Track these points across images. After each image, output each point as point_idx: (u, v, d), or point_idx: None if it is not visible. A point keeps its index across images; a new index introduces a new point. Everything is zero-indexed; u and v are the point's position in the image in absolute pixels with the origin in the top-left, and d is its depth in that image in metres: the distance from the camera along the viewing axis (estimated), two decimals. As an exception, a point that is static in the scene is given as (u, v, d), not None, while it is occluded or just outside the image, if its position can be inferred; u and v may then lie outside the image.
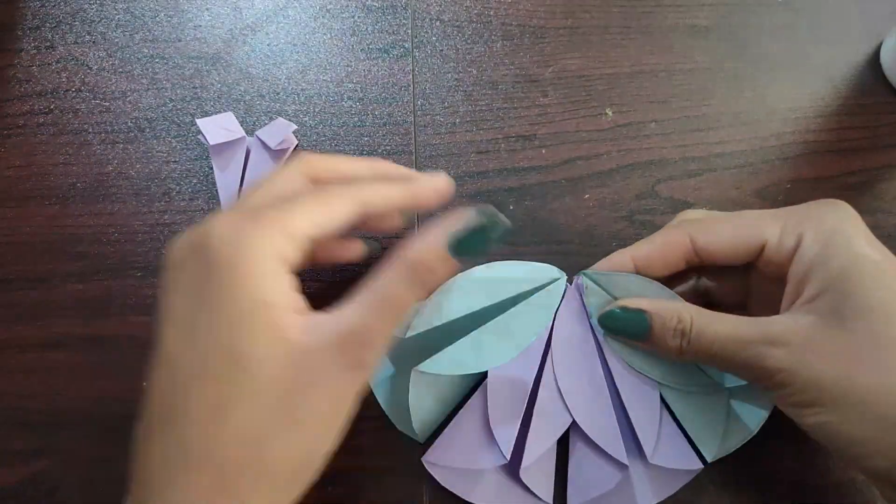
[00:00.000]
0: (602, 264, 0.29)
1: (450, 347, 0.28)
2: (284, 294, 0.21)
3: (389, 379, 0.29)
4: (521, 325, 0.29)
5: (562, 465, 0.29)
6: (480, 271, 0.29)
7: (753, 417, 0.28)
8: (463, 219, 0.22)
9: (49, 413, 0.31)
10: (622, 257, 0.28)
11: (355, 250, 0.29)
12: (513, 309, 0.29)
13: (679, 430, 0.28)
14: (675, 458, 0.28)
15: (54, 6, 0.37)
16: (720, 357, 0.25)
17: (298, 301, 0.22)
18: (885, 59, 0.35)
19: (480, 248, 0.23)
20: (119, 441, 0.30)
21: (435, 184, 0.25)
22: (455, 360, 0.28)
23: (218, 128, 0.32)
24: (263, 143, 0.33)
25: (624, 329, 0.27)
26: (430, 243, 0.22)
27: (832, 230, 0.24)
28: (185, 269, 0.22)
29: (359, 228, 0.26)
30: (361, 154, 0.34)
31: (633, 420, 0.28)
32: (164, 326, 0.22)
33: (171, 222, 0.33)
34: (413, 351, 0.28)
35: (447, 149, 0.34)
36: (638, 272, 0.28)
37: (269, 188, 0.24)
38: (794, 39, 0.36)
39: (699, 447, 0.28)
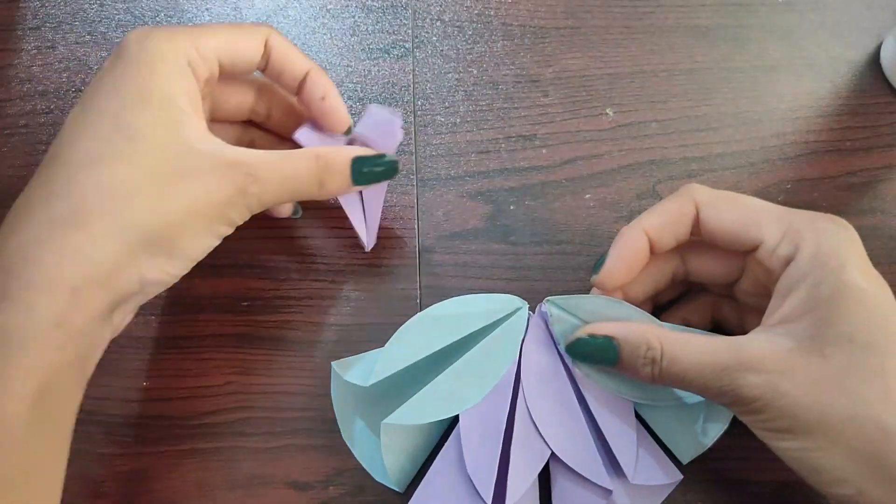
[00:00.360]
0: (618, 244, 0.27)
1: (417, 395, 0.27)
2: (189, 100, 0.23)
3: (360, 431, 0.29)
4: (488, 362, 0.28)
5: (545, 496, 0.28)
6: (441, 308, 0.29)
7: (722, 414, 0.28)
8: (370, 152, 0.27)
9: (50, 413, 0.31)
10: (634, 231, 0.27)
11: (286, 209, 0.31)
12: (477, 346, 0.28)
13: (655, 444, 0.28)
14: (655, 474, 0.27)
15: (55, 6, 0.37)
16: (695, 384, 0.24)
17: (202, 118, 0.24)
18: (885, 59, 0.35)
19: (376, 176, 0.27)
20: (120, 441, 0.30)
21: (333, 107, 0.28)
22: (423, 409, 0.27)
23: (315, 133, 0.30)
24: (364, 143, 0.30)
25: (592, 357, 0.27)
26: (343, 151, 0.26)
27: (829, 252, 0.23)
28: (104, 69, 0.23)
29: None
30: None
31: (610, 443, 0.27)
32: (74, 109, 0.23)
33: (172, 222, 0.33)
34: (379, 399, 0.28)
35: (448, 149, 0.34)
36: (651, 244, 0.27)
37: (224, 31, 0.25)
38: (794, 39, 0.36)
39: (675, 453, 0.28)
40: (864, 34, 0.36)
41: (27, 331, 0.21)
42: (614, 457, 0.27)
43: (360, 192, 0.30)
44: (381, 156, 0.27)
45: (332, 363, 0.28)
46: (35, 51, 0.36)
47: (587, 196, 0.33)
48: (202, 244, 0.25)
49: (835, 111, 0.35)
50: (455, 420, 0.28)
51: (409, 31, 0.36)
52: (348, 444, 0.29)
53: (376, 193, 0.31)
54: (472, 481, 0.26)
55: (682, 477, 0.28)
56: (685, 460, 0.28)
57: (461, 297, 0.29)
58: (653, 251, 0.27)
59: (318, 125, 0.29)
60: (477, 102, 0.35)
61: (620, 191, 0.34)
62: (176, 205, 0.23)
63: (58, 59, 0.36)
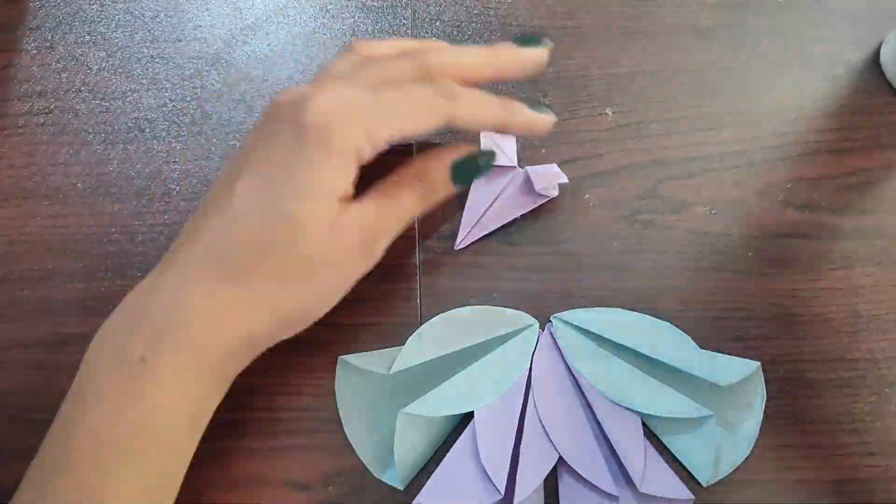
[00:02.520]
0: None
1: (433, 391, 0.28)
2: (346, 187, 0.25)
3: (364, 427, 0.30)
4: (501, 369, 0.30)
5: (553, 499, 0.29)
6: (460, 312, 0.31)
7: (743, 442, 0.29)
8: (462, 149, 0.27)
9: (50, 412, 0.31)
10: None
11: None
12: (491, 354, 0.30)
13: (665, 463, 0.29)
14: (663, 487, 0.28)
15: (54, 6, 0.37)
16: None
17: (349, 191, 0.25)
18: (885, 59, 0.35)
19: (473, 173, 0.27)
20: (119, 441, 0.30)
21: (534, 122, 0.27)
22: (441, 403, 0.28)
23: (494, 145, 0.32)
24: (527, 179, 0.32)
25: None
26: (435, 160, 0.27)
27: None
28: (279, 128, 0.24)
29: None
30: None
31: (618, 450, 0.28)
32: (246, 163, 0.25)
33: (172, 222, 0.33)
34: (391, 394, 0.29)
35: (447, 149, 0.34)
36: None
37: (381, 70, 0.25)
38: (794, 39, 0.36)
39: (693, 472, 0.29)
40: (864, 34, 0.36)
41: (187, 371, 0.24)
42: (623, 469, 0.28)
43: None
44: (472, 153, 0.27)
45: (339, 357, 0.28)
46: (34, 51, 0.36)
47: (587, 196, 0.33)
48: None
49: (835, 111, 0.35)
50: (462, 424, 0.29)
51: (409, 31, 0.36)
52: (350, 439, 0.29)
53: (484, 194, 0.32)
54: (485, 472, 0.27)
55: (692, 497, 0.28)
56: (704, 482, 0.28)
57: (478, 306, 0.31)
58: None
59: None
60: (477, 102, 0.35)
61: (620, 191, 0.34)
62: (321, 288, 0.25)
63: (57, 60, 0.36)
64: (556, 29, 0.36)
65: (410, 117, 0.24)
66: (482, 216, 0.32)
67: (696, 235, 0.33)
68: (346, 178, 0.24)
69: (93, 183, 0.34)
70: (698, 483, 0.29)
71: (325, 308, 0.26)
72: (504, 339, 0.30)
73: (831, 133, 0.35)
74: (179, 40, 0.36)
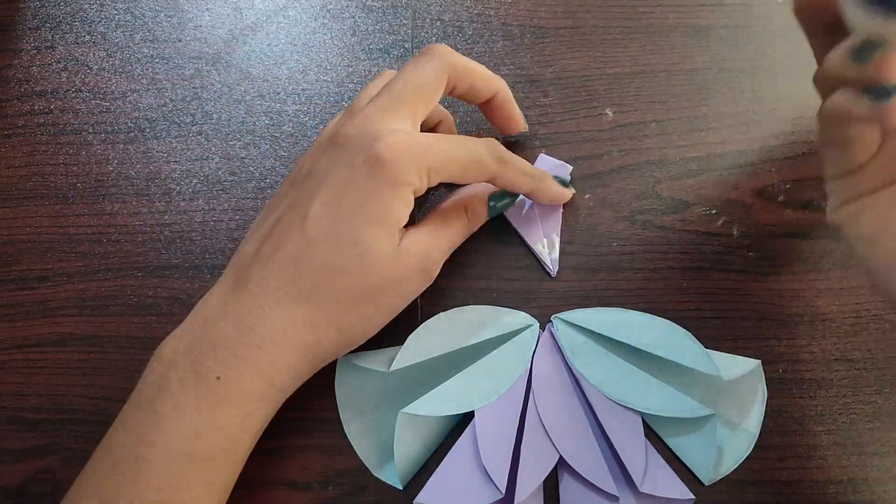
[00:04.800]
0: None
1: (434, 391, 0.29)
2: (406, 216, 0.27)
3: (363, 427, 0.30)
4: (501, 369, 0.30)
5: (554, 501, 0.29)
6: (459, 312, 0.31)
7: (744, 440, 0.29)
8: (496, 189, 0.30)
9: (50, 412, 0.31)
10: None
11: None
12: (491, 354, 0.30)
13: (666, 462, 0.29)
14: (664, 487, 0.28)
15: (54, 6, 0.37)
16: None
17: (407, 219, 0.27)
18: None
19: (504, 206, 0.31)
20: (119, 441, 0.30)
21: (558, 196, 0.32)
22: (441, 402, 0.28)
23: None
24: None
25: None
26: (478, 190, 0.30)
27: None
28: (351, 159, 0.26)
29: None
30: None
31: (618, 449, 0.28)
32: (317, 190, 0.26)
33: (172, 222, 0.33)
34: (391, 394, 0.30)
35: (447, 149, 0.34)
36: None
37: (424, 97, 0.28)
38: (794, 39, 0.36)
39: (694, 471, 0.29)
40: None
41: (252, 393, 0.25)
42: (624, 469, 0.28)
43: (538, 217, 0.33)
44: (503, 192, 0.31)
45: (338, 357, 0.28)
46: (34, 51, 0.36)
47: (587, 196, 0.33)
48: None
49: (834, 111, 0.35)
50: (462, 424, 0.29)
51: (409, 32, 0.36)
52: (350, 439, 0.29)
53: (553, 215, 0.33)
54: (485, 471, 0.27)
55: (693, 497, 0.28)
56: (706, 481, 0.28)
57: (479, 306, 0.31)
58: None
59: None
60: (477, 102, 0.35)
61: (620, 191, 0.34)
62: (384, 308, 0.27)
63: (56, 60, 0.36)
64: (556, 29, 0.36)
65: (465, 169, 0.27)
66: (542, 229, 0.33)
67: (696, 235, 0.33)
68: (407, 209, 0.26)
69: (93, 183, 0.34)
70: (699, 482, 0.29)
71: (383, 325, 0.28)
72: (504, 338, 0.30)
73: (831, 133, 0.35)
74: (179, 40, 0.36)
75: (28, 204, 0.33)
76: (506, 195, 0.31)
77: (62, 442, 0.30)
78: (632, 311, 0.31)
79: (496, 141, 0.28)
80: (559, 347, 0.30)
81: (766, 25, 0.36)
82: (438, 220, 0.29)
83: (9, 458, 0.30)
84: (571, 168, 0.33)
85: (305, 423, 0.30)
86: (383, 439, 0.29)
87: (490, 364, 0.30)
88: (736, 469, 0.29)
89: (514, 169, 0.29)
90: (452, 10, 0.36)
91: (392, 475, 0.29)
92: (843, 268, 0.32)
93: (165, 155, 0.34)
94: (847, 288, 0.32)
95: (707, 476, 0.28)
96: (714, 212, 0.33)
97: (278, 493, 0.29)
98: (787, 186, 0.34)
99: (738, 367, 0.29)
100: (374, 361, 0.30)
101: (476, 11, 0.36)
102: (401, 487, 0.29)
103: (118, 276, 0.32)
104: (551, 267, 0.32)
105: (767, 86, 0.35)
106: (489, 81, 0.30)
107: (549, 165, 0.33)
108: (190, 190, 0.34)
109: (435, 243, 0.28)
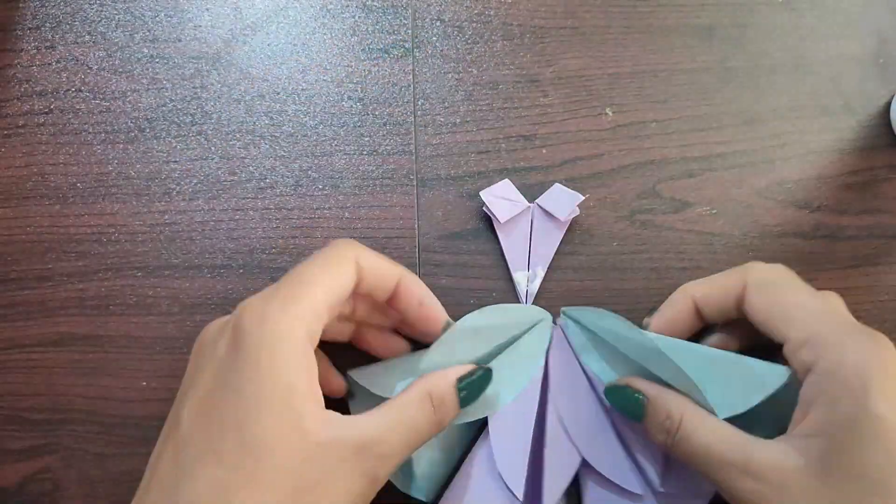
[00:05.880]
0: (665, 308, 0.28)
1: None
2: (308, 381, 0.22)
3: None
4: (515, 369, 0.28)
5: None
6: (469, 320, 0.29)
7: (774, 374, 0.26)
8: (468, 368, 0.26)
9: (50, 412, 0.31)
10: (683, 298, 0.28)
11: (339, 385, 0.29)
12: (504, 353, 0.28)
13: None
14: (682, 485, 0.27)
15: (54, 6, 0.37)
16: (699, 467, 0.24)
17: (319, 394, 0.22)
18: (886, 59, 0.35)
19: (477, 393, 0.26)
20: (119, 440, 0.30)
21: (431, 309, 0.27)
22: None
23: (499, 199, 0.32)
24: (546, 212, 0.32)
25: (622, 407, 0.27)
26: (448, 378, 0.25)
27: (852, 372, 0.22)
28: (214, 349, 0.22)
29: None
30: (361, 154, 0.34)
31: (633, 448, 0.27)
32: (183, 403, 0.22)
33: (172, 222, 0.33)
34: None
35: (447, 149, 0.34)
36: (699, 313, 0.28)
37: (324, 276, 0.24)
38: (795, 39, 0.36)
39: (717, 410, 0.26)
40: (863, 33, 0.36)
41: None
42: (642, 466, 0.27)
43: (530, 242, 0.32)
44: (475, 370, 0.26)
45: (349, 373, 0.28)
46: (34, 51, 0.36)
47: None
48: None
49: (835, 110, 0.35)
50: (479, 432, 0.28)
51: (409, 31, 0.36)
52: None
53: (548, 243, 0.32)
54: (502, 480, 0.26)
55: (714, 490, 0.27)
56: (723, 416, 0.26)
57: (486, 308, 0.29)
58: (704, 318, 0.28)
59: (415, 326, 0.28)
60: (477, 102, 0.35)
61: (620, 191, 0.34)
62: None
63: (56, 59, 0.36)
64: (556, 29, 0.36)
65: (324, 270, 0.24)
66: (529, 259, 0.32)
67: (696, 235, 0.33)
68: (303, 374, 0.22)
69: (93, 183, 0.34)
70: None
71: None
72: (517, 337, 0.29)
73: (831, 133, 0.35)
74: (179, 40, 0.36)
75: (28, 204, 0.33)
76: (477, 372, 0.26)
77: (61, 442, 0.30)
78: (639, 330, 0.28)
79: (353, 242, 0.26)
80: (570, 343, 0.30)
81: (766, 25, 0.36)
82: (392, 408, 0.23)
83: (8, 457, 0.30)
84: (582, 198, 0.32)
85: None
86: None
87: (504, 365, 0.28)
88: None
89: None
90: (452, 9, 0.36)
91: (419, 490, 0.28)
92: (844, 267, 0.32)
93: (165, 155, 0.34)
94: (847, 288, 0.32)
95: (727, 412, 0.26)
96: (714, 212, 0.33)
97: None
98: (788, 186, 0.34)
99: (771, 379, 0.26)
100: (385, 376, 0.28)
101: (476, 11, 0.36)
102: (427, 501, 0.28)
103: (118, 275, 0.32)
104: (524, 300, 0.31)
105: (767, 86, 0.35)
106: (392, 266, 0.26)
107: (562, 195, 0.32)
108: (190, 190, 0.34)
109: (384, 434, 0.22)
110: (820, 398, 0.22)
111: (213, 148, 0.34)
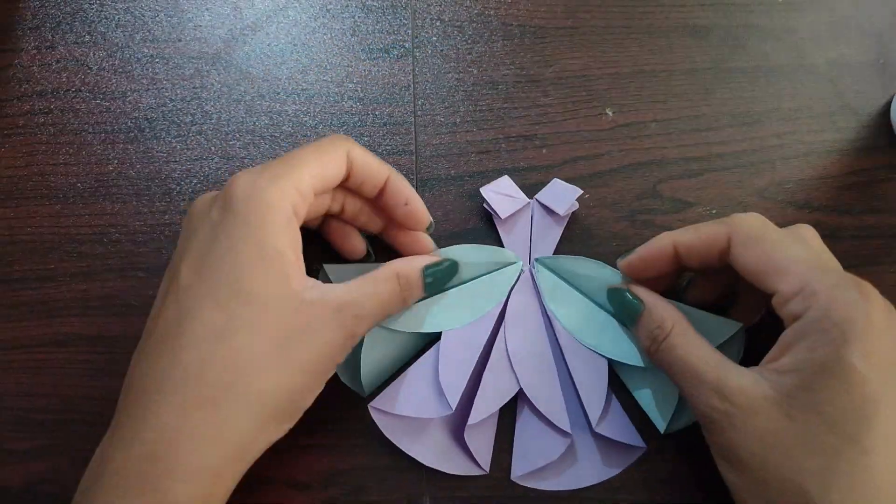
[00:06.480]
0: (645, 246, 0.29)
1: (407, 311, 0.29)
2: (293, 249, 0.24)
3: None
4: (477, 298, 0.30)
5: (508, 435, 0.30)
6: (448, 251, 0.31)
7: (726, 326, 0.29)
8: (436, 259, 0.29)
9: (53, 412, 0.31)
10: (664, 241, 0.28)
11: (358, 245, 0.31)
12: (469, 283, 0.31)
13: (625, 412, 0.30)
14: (620, 431, 0.29)
15: (54, 6, 0.37)
16: (675, 377, 0.26)
17: (302, 263, 0.25)
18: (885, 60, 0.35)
19: (442, 282, 0.29)
20: (120, 441, 0.30)
21: (416, 209, 0.29)
22: (413, 319, 0.29)
23: (499, 195, 0.32)
24: (545, 208, 0.32)
25: (620, 308, 0.29)
26: (414, 263, 0.28)
27: (836, 321, 0.22)
28: (207, 217, 0.24)
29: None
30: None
31: (580, 390, 0.29)
32: (178, 262, 0.24)
33: (172, 222, 0.33)
34: None
35: (447, 149, 0.34)
36: (679, 259, 0.28)
37: (314, 161, 0.26)
38: (794, 39, 0.36)
39: (652, 419, 0.30)
40: (863, 34, 0.36)
41: None
42: (583, 412, 0.29)
43: (529, 235, 0.32)
44: (442, 261, 0.29)
45: (324, 265, 0.29)
46: (34, 51, 0.36)
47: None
48: (316, 395, 0.25)
49: (834, 111, 0.35)
50: (427, 346, 0.30)
51: (409, 31, 0.36)
52: None
53: (519, 234, 0.32)
54: (440, 390, 0.29)
55: (645, 447, 0.29)
56: (662, 430, 0.29)
57: (466, 245, 0.31)
58: (682, 264, 0.28)
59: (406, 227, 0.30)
60: (477, 102, 0.35)
61: (620, 191, 0.34)
62: (297, 369, 0.24)
63: (56, 59, 0.36)
64: (555, 29, 0.36)
65: (315, 155, 0.26)
66: (530, 256, 0.32)
67: (696, 235, 0.33)
68: (289, 238, 0.24)
69: (93, 183, 0.34)
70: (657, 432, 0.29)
71: (310, 392, 0.25)
72: (488, 271, 0.31)
73: (831, 133, 0.35)
74: (179, 40, 0.36)
75: (28, 204, 0.33)
76: (443, 263, 0.29)
77: (64, 442, 0.30)
78: (611, 268, 0.31)
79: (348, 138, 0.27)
80: (537, 288, 0.31)
81: (766, 25, 0.36)
82: (367, 281, 0.26)
83: (12, 458, 0.30)
84: (581, 192, 0.32)
85: (305, 423, 0.30)
86: (355, 350, 0.29)
87: (467, 292, 0.30)
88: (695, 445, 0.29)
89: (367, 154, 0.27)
90: (452, 9, 0.36)
91: (358, 383, 0.29)
92: (844, 267, 0.32)
93: (165, 155, 0.34)
94: (847, 288, 0.32)
95: (662, 425, 0.29)
96: (714, 212, 0.33)
97: (278, 492, 0.29)
98: (788, 186, 0.34)
99: (721, 330, 0.28)
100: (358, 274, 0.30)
101: (476, 11, 0.36)
102: (364, 395, 0.29)
103: (120, 276, 0.32)
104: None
105: (767, 86, 0.35)
106: (381, 165, 0.28)
107: (561, 189, 0.33)
108: (190, 190, 0.34)
109: (359, 298, 0.25)
110: (800, 342, 0.23)
111: (213, 148, 0.34)
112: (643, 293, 0.28)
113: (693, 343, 0.26)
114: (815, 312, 0.23)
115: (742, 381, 0.24)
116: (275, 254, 0.23)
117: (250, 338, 0.23)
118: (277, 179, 0.24)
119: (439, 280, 0.29)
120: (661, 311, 0.27)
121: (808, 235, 0.27)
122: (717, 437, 0.24)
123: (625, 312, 0.29)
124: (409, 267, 0.27)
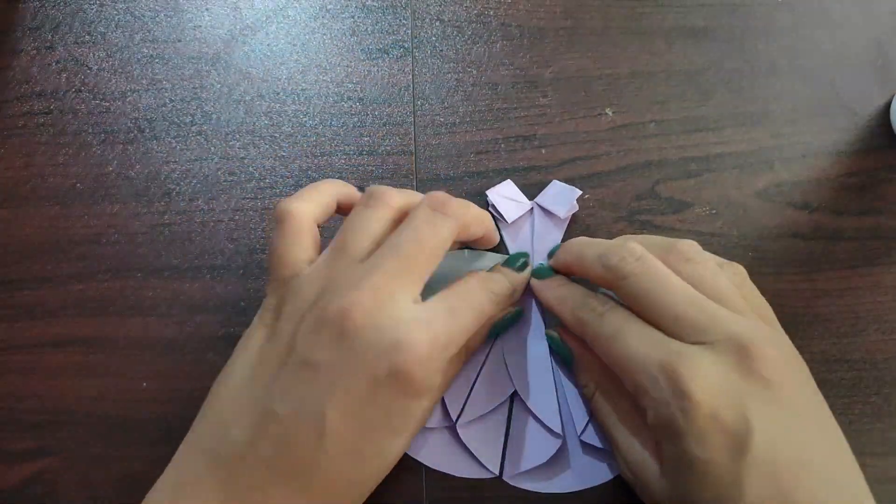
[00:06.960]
0: (561, 252, 0.30)
1: None
2: (427, 418, 0.28)
3: None
4: None
5: (503, 437, 0.30)
6: (451, 256, 0.31)
7: None
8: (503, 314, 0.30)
9: (49, 413, 0.31)
10: (572, 250, 0.29)
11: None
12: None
13: None
14: (601, 440, 0.29)
15: (54, 7, 0.37)
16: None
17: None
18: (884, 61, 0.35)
19: (506, 327, 0.30)
20: (119, 441, 0.30)
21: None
22: None
23: (505, 199, 0.32)
24: (545, 211, 0.32)
25: (557, 353, 0.30)
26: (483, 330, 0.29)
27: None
28: (374, 368, 0.23)
29: None
30: (361, 155, 0.34)
31: (568, 396, 0.30)
32: (331, 394, 0.23)
33: (171, 223, 0.33)
34: None
35: (447, 149, 0.34)
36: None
37: (435, 259, 0.26)
38: (793, 40, 0.36)
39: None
40: (863, 34, 0.36)
41: None
42: (573, 420, 0.30)
43: (530, 238, 0.33)
44: (506, 314, 0.30)
45: None
46: (34, 51, 0.36)
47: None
48: None
49: (833, 112, 0.35)
50: None
51: (409, 32, 0.36)
52: None
53: (521, 239, 0.33)
54: (442, 398, 0.29)
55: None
56: None
57: (466, 250, 0.32)
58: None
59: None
60: (476, 103, 0.35)
61: (619, 191, 0.34)
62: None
63: (56, 60, 0.36)
64: (554, 30, 0.36)
65: (477, 322, 0.26)
66: (532, 257, 0.32)
67: (695, 235, 0.33)
68: (430, 412, 0.28)
69: (92, 183, 0.34)
70: None
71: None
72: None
73: (831, 133, 0.35)
74: (179, 40, 0.36)
75: (28, 205, 0.33)
76: (507, 315, 0.30)
77: (61, 443, 0.30)
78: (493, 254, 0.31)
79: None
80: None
81: (766, 25, 0.36)
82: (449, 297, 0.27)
83: (7, 459, 0.30)
84: (580, 193, 0.32)
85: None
86: None
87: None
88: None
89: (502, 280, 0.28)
90: (452, 10, 0.36)
91: None
92: (843, 268, 0.32)
93: (165, 155, 0.34)
94: (847, 288, 0.32)
95: None
96: (714, 212, 0.33)
97: (278, 493, 0.29)
98: (786, 187, 0.34)
99: None
100: None
101: (475, 11, 0.36)
102: None
103: (118, 276, 0.32)
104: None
105: (767, 86, 0.35)
106: (483, 223, 0.29)
107: (560, 190, 0.33)
108: (189, 190, 0.34)
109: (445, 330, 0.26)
110: (657, 436, 0.25)
111: (212, 148, 0.34)
112: (573, 343, 0.29)
113: (605, 411, 0.27)
114: (650, 413, 0.24)
115: (641, 457, 0.25)
116: (417, 427, 0.26)
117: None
118: (444, 356, 0.25)
119: (502, 328, 0.30)
120: (585, 370, 0.29)
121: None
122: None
123: (561, 358, 0.30)
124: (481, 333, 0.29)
